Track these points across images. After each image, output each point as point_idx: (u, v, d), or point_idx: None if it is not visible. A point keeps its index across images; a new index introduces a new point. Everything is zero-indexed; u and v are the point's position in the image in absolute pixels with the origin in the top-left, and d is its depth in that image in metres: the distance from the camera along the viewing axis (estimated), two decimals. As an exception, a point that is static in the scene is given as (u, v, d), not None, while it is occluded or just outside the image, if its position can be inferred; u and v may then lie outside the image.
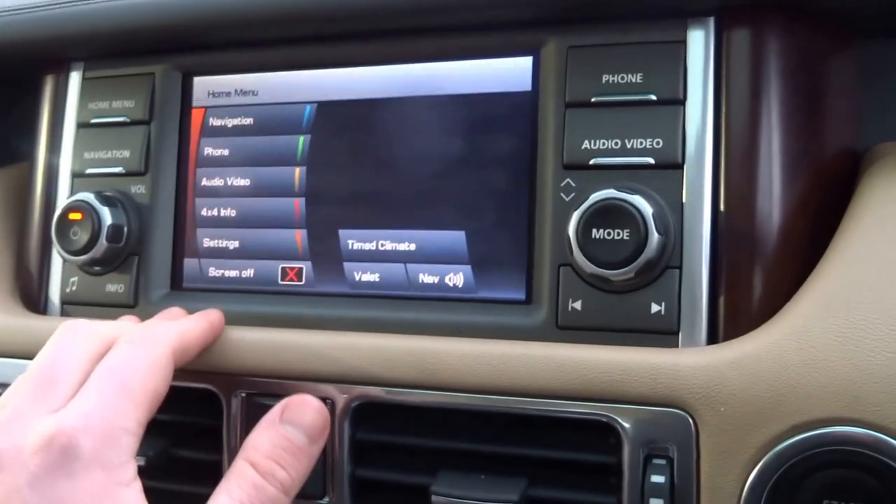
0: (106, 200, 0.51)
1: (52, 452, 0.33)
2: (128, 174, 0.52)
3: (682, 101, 0.40)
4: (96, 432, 0.34)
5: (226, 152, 0.51)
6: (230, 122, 0.51)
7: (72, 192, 0.53)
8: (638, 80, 0.41)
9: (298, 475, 0.36)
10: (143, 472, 0.37)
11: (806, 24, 0.41)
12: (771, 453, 0.35)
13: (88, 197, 0.51)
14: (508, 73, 0.45)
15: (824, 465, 0.34)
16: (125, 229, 0.51)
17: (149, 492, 0.47)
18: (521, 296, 0.43)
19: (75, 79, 0.55)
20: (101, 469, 0.33)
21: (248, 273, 0.50)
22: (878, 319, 0.35)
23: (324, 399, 0.43)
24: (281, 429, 0.37)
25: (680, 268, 0.40)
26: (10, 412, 0.35)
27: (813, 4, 0.41)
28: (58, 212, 0.51)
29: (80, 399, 0.35)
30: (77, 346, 0.38)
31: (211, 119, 0.52)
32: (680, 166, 0.40)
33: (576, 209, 0.40)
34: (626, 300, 0.40)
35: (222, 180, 0.51)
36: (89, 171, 0.53)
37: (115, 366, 0.37)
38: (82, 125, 0.54)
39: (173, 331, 0.41)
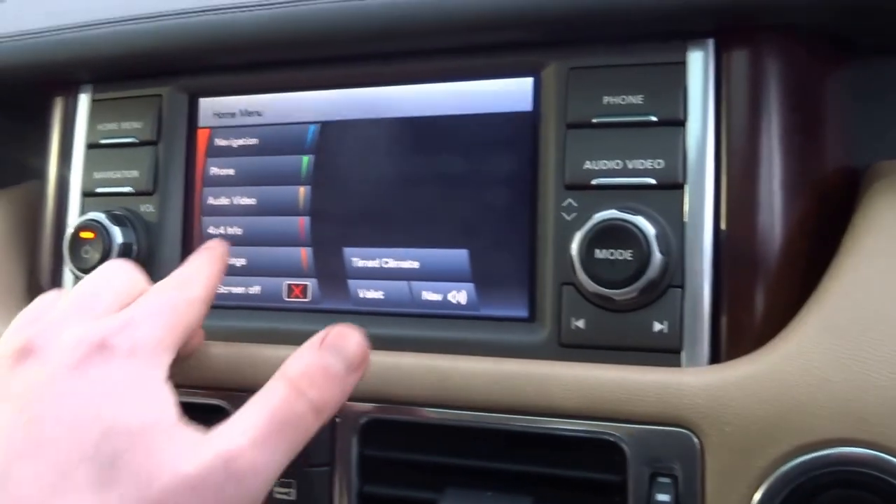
0: (116, 219, 0.50)
1: (88, 347, 0.32)
2: (137, 193, 0.51)
3: (682, 122, 0.39)
4: (136, 337, 0.33)
5: (231, 172, 0.50)
6: (235, 143, 0.50)
7: (82, 212, 0.53)
8: (638, 101, 0.40)
9: (331, 400, 0.34)
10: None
11: (805, 44, 0.40)
12: (776, 473, 0.34)
13: (99, 216, 0.50)
14: (509, 93, 0.43)
15: (830, 485, 0.33)
16: (135, 247, 0.50)
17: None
18: (524, 314, 0.42)
19: (84, 101, 0.54)
20: (138, 363, 0.33)
21: (255, 290, 0.49)
22: (882, 341, 0.33)
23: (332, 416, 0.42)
24: (319, 352, 0.35)
25: (682, 287, 0.38)
26: (50, 319, 0.35)
27: (811, 26, 0.40)
28: (69, 231, 0.51)
29: (122, 313, 0.35)
30: (121, 276, 0.38)
31: (216, 139, 0.50)
32: (681, 186, 0.39)
33: (578, 229, 0.39)
34: (629, 319, 0.39)
35: (228, 199, 0.50)
36: (99, 190, 0.52)
37: (157, 293, 0.37)
38: (92, 146, 0.53)
39: (205, 277, 0.40)
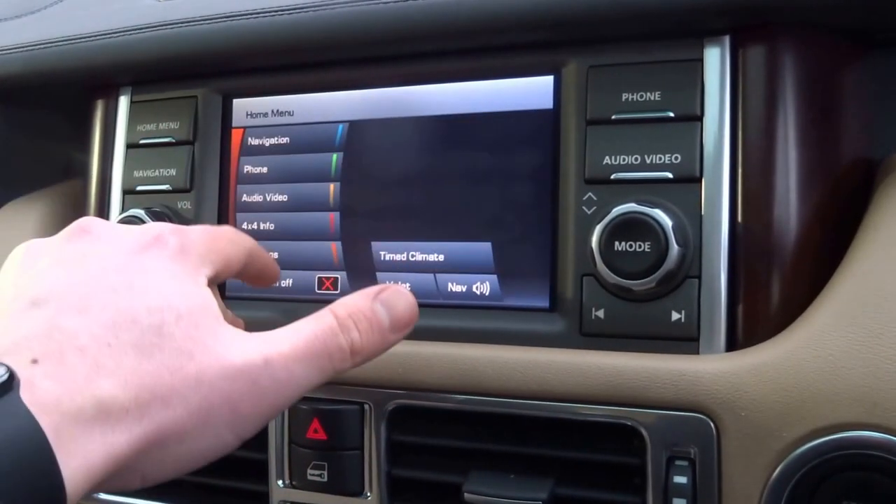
0: (155, 216, 0.51)
1: (144, 236, 0.33)
2: (174, 191, 0.53)
3: (699, 118, 0.40)
4: (187, 241, 0.34)
5: (264, 170, 0.51)
6: (267, 142, 0.51)
7: (123, 208, 0.54)
8: (656, 98, 0.40)
9: (369, 346, 0.35)
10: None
11: (821, 38, 0.40)
12: (791, 456, 0.34)
13: (139, 213, 0.51)
14: (531, 91, 0.44)
15: (843, 467, 0.34)
16: (173, 243, 0.51)
17: (198, 488, 0.48)
18: (546, 304, 0.43)
19: (124, 102, 0.55)
20: (188, 263, 0.33)
21: (287, 283, 0.50)
22: (895, 328, 0.34)
23: (360, 403, 0.44)
24: (371, 303, 0.36)
25: (699, 277, 0.39)
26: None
27: (828, 22, 0.40)
28: (111, 227, 0.52)
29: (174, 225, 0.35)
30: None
31: (249, 139, 0.52)
32: (698, 180, 0.39)
33: (598, 222, 0.40)
34: (648, 308, 0.40)
35: (261, 196, 0.51)
36: (139, 188, 0.54)
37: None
38: (131, 146, 0.55)
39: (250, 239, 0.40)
